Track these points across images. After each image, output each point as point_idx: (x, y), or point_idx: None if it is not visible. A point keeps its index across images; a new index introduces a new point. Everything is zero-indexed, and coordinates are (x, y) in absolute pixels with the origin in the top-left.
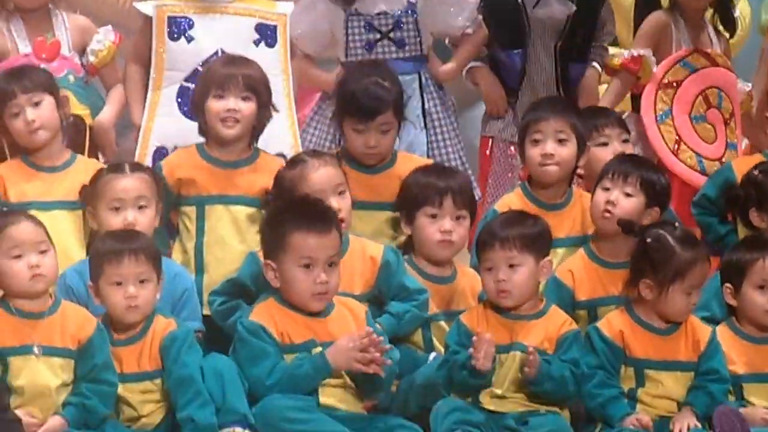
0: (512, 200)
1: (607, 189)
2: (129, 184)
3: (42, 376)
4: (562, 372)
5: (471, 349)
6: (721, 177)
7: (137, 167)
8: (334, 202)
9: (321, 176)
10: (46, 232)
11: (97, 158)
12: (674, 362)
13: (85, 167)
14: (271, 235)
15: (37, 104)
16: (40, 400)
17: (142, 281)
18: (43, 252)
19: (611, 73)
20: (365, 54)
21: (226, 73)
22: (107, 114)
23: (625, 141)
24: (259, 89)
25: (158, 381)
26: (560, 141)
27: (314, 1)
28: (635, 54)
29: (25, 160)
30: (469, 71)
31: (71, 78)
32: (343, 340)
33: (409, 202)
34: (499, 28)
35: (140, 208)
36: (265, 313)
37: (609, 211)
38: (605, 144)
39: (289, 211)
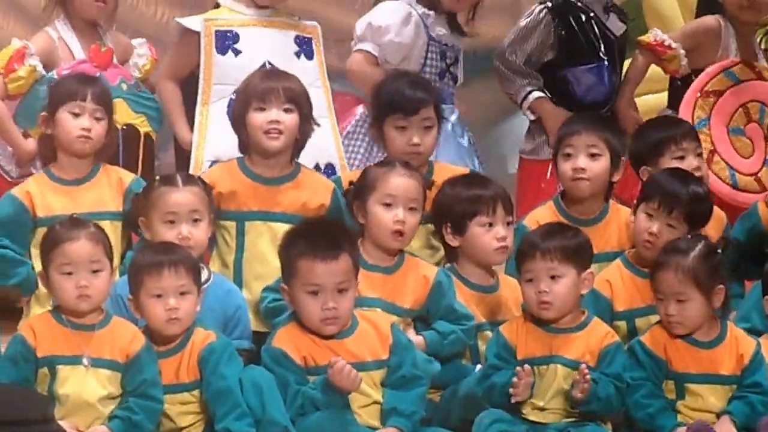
0: (542, 215)
1: (651, 216)
2: (183, 197)
3: (88, 387)
4: (608, 391)
5: (514, 378)
6: (749, 222)
7: (189, 180)
8: (401, 213)
9: (399, 183)
10: (106, 248)
11: (152, 167)
12: (715, 375)
13: (107, 176)
14: (284, 259)
15: (98, 120)
16: (83, 410)
17: (182, 293)
18: (95, 272)
19: (637, 47)
20: (437, 81)
21: (266, 87)
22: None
23: (699, 155)
24: (300, 101)
25: (196, 393)
26: (592, 155)
27: (409, 15)
28: (666, 42)
29: (48, 174)
30: (532, 103)
31: (124, 86)
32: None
33: (457, 213)
34: (579, 43)
35: (194, 221)
36: (286, 338)
37: (651, 242)
38: (681, 158)
39: (298, 235)
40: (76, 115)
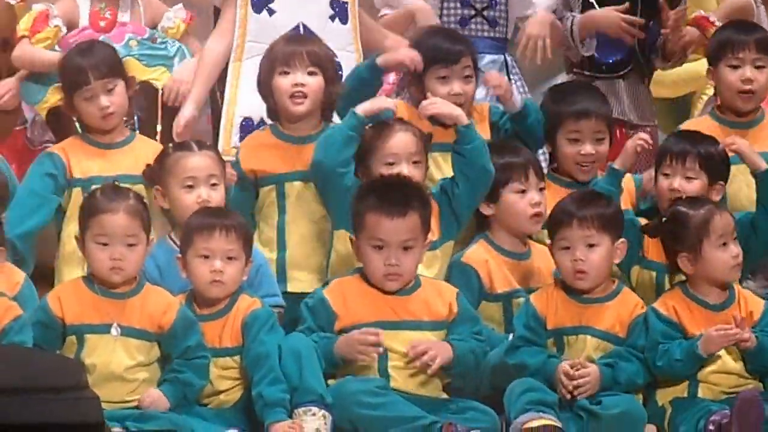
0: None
1: (667, 175)
2: (200, 161)
3: (116, 356)
4: (630, 371)
5: (564, 379)
6: None
7: (203, 145)
8: (405, 169)
9: (398, 140)
10: (144, 222)
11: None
12: None
13: (144, 144)
14: (354, 211)
15: (110, 90)
16: (110, 380)
17: (229, 258)
18: (130, 245)
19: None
20: (458, 29)
21: (289, 50)
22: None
23: (760, 67)
24: (324, 65)
25: (237, 358)
26: (598, 140)
27: None
28: (711, 18)
29: (84, 138)
30: (579, 20)
31: (133, 43)
32: (356, 333)
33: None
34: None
35: (212, 185)
36: (338, 289)
37: (678, 199)
38: (736, 66)
39: (370, 189)
40: (89, 99)
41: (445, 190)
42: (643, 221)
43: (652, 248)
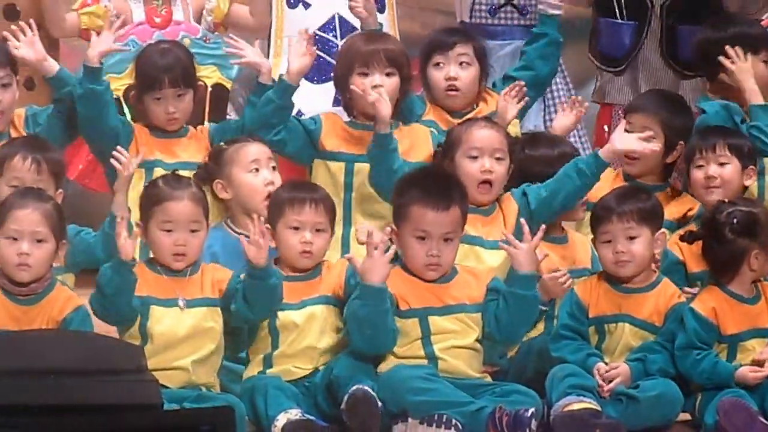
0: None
1: (701, 166)
2: (259, 147)
3: (183, 324)
4: (660, 363)
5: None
6: None
7: (253, 137)
8: (487, 163)
9: (482, 135)
10: (205, 208)
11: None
12: (762, 329)
13: (196, 135)
14: (397, 202)
15: (179, 97)
16: (176, 346)
17: (318, 230)
18: (193, 231)
19: None
20: (488, 18)
21: (368, 50)
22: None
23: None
24: (400, 62)
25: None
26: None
27: None
28: None
29: (147, 127)
30: None
31: (186, 42)
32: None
33: (536, 174)
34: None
35: (273, 168)
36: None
37: (715, 186)
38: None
39: (414, 181)
40: (158, 100)
41: (526, 196)
42: None
43: None
